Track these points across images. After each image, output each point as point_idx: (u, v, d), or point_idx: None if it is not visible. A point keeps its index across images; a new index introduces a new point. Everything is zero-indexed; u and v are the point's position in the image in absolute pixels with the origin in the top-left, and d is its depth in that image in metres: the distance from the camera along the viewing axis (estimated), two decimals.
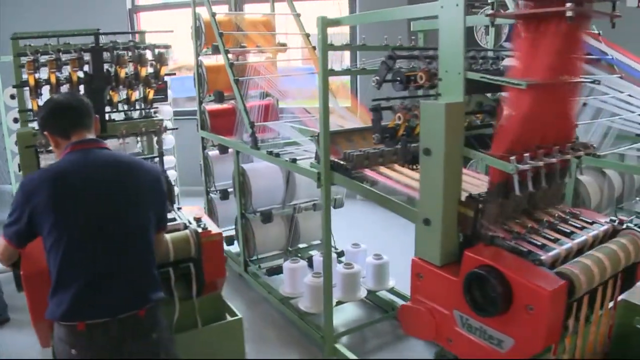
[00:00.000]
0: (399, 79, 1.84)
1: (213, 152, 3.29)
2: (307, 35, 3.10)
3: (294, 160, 2.38)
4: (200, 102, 3.22)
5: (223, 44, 2.81)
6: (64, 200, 1.33)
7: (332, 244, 3.23)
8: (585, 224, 1.72)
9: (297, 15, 3.15)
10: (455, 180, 1.63)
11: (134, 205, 1.42)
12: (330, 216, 2.28)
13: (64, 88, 2.00)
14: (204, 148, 3.31)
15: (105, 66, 2.06)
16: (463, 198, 1.65)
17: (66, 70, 1.98)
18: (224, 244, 3.35)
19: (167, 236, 1.83)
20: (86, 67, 2.04)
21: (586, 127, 2.84)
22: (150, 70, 2.17)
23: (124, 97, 2.15)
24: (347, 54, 4.43)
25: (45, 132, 1.47)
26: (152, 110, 2.78)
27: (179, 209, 2.09)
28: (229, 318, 1.90)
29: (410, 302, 1.76)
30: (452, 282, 1.57)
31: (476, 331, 1.57)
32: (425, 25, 2.33)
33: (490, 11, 1.59)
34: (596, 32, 3.28)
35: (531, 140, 1.59)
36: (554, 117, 1.62)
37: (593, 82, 1.82)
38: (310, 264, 2.80)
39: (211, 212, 3.41)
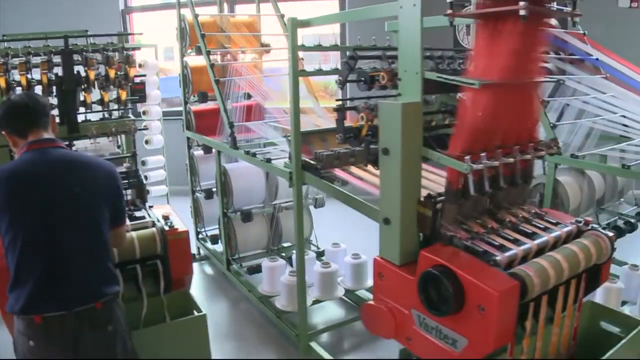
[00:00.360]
0: (363, 79, 1.85)
1: (198, 152, 3.32)
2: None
3: (268, 160, 2.40)
4: (186, 103, 3.26)
5: (205, 45, 2.85)
6: (19, 200, 1.37)
7: (315, 242, 3.26)
8: (548, 225, 1.71)
9: (281, 16, 3.18)
10: (414, 180, 1.63)
11: (88, 202, 1.45)
12: (302, 215, 2.30)
13: (37, 90, 2.06)
14: (189, 148, 3.35)
15: (77, 68, 2.10)
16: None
17: (37, 73, 2.03)
18: (209, 243, 3.41)
19: (134, 234, 1.86)
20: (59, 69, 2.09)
21: (570, 128, 2.82)
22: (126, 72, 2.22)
23: (99, 98, 2.20)
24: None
25: (4, 132, 1.51)
26: (142, 110, 2.82)
27: (150, 207, 2.13)
28: (195, 314, 1.93)
29: (372, 301, 1.78)
30: (410, 282, 1.58)
31: (432, 330, 1.57)
32: (397, 25, 2.34)
33: (449, 11, 1.59)
34: (581, 32, 3.26)
35: (490, 140, 1.59)
36: (513, 116, 1.61)
37: (558, 81, 1.80)
38: (291, 263, 2.82)
39: (197, 211, 3.45)
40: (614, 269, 3.07)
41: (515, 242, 1.58)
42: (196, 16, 2.93)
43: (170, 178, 4.07)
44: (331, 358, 2.30)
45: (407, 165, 1.59)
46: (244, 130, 2.84)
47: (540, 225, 1.71)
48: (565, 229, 1.70)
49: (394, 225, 1.64)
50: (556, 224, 1.73)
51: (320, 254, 3.04)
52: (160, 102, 3.86)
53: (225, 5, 4.75)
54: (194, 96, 3.18)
